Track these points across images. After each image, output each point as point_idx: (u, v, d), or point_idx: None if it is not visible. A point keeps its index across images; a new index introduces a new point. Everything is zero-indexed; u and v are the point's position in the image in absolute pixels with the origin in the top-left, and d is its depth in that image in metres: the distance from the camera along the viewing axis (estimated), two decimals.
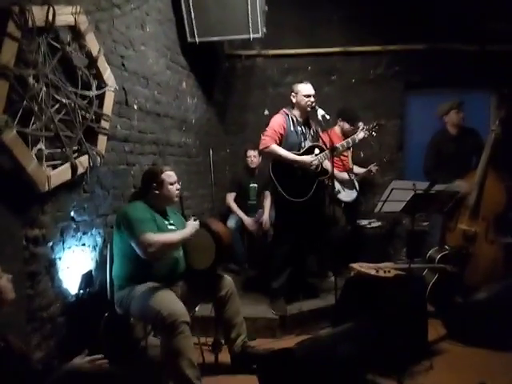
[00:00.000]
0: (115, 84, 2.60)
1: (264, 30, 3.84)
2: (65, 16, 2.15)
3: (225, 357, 2.69)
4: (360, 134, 3.31)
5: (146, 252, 2.25)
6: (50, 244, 2.20)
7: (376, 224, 4.38)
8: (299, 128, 3.30)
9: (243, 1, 3.66)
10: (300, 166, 3.20)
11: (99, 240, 2.61)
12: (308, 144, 3.29)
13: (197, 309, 2.76)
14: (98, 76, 2.46)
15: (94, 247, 2.57)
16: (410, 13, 4.50)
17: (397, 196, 2.71)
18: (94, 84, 2.44)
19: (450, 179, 3.51)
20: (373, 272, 2.71)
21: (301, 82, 3.33)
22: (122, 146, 2.86)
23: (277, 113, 3.37)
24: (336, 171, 3.44)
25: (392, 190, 2.68)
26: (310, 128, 3.36)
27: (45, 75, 2.06)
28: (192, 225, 2.47)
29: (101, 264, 2.58)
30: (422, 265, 3.41)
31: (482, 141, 3.65)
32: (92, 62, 2.40)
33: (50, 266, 2.20)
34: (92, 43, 2.38)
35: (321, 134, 3.39)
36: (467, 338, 2.95)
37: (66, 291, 2.32)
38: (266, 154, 3.37)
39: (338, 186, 3.89)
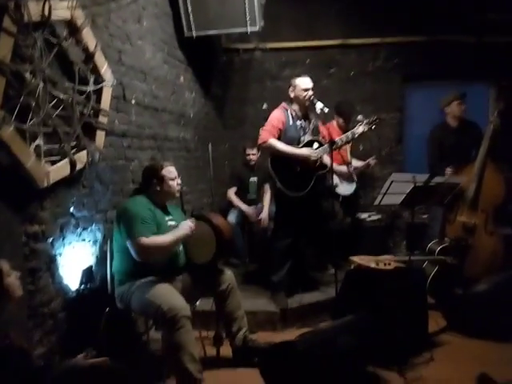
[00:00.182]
0: (112, 79, 2.58)
1: (261, 23, 3.82)
2: (61, 11, 2.13)
3: (226, 350, 2.70)
4: (359, 129, 3.30)
5: (140, 255, 2.28)
6: (50, 240, 2.20)
7: (375, 217, 4.38)
8: (298, 122, 3.29)
9: None
10: (299, 159, 3.20)
11: (99, 235, 2.61)
12: (307, 138, 3.28)
13: (197, 303, 2.76)
14: (95, 71, 2.45)
15: (94, 243, 2.57)
16: (408, 5, 4.47)
17: (396, 189, 2.71)
18: (92, 79, 2.42)
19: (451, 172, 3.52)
20: (373, 265, 2.72)
21: (299, 75, 3.32)
22: (120, 141, 2.85)
23: (276, 107, 3.36)
24: (335, 165, 3.44)
25: (392, 182, 2.67)
26: (309, 122, 3.34)
27: (42, 70, 2.05)
28: (185, 226, 2.43)
29: (101, 259, 2.58)
30: (421, 257, 3.42)
31: (482, 134, 3.65)
32: (89, 56, 2.39)
33: (51, 262, 2.20)
34: (89, 38, 2.36)
35: (320, 127, 3.38)
36: (467, 330, 2.96)
37: (66, 287, 2.32)
38: (264, 149, 3.37)
39: (336, 179, 3.88)
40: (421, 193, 2.74)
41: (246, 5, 3.66)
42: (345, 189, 4.00)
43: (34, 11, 1.95)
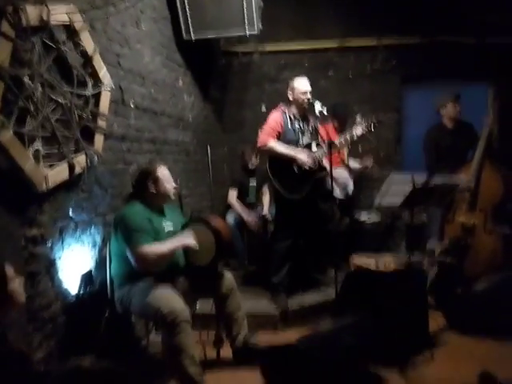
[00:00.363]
0: (111, 83, 2.59)
1: (260, 26, 3.83)
2: (59, 15, 2.15)
3: (227, 352, 2.70)
4: (358, 131, 3.30)
5: (139, 265, 2.29)
6: (49, 243, 2.20)
7: (375, 219, 4.37)
8: (297, 125, 3.29)
9: None
10: (297, 162, 3.20)
11: (98, 239, 2.61)
12: (306, 140, 3.28)
13: (198, 306, 2.76)
14: (94, 75, 2.45)
15: (94, 246, 2.57)
16: (406, 6, 4.48)
17: (395, 189, 2.71)
18: (90, 83, 2.43)
19: (448, 173, 3.51)
20: (373, 266, 2.72)
21: (297, 77, 3.32)
22: (119, 144, 2.85)
23: (274, 109, 3.37)
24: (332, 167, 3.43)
25: (390, 183, 2.68)
26: (308, 123, 3.35)
27: (40, 75, 2.06)
28: (187, 240, 2.41)
29: (100, 263, 2.57)
30: (421, 257, 3.42)
31: (477, 135, 3.66)
32: (87, 60, 2.39)
33: (50, 266, 2.20)
34: (87, 42, 2.37)
35: (319, 129, 3.38)
36: (467, 329, 2.95)
37: (66, 291, 2.32)
38: (264, 152, 3.37)
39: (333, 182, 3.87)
40: (420, 194, 2.75)
41: (245, 8, 3.68)
42: (342, 191, 3.99)
43: (32, 15, 1.96)
